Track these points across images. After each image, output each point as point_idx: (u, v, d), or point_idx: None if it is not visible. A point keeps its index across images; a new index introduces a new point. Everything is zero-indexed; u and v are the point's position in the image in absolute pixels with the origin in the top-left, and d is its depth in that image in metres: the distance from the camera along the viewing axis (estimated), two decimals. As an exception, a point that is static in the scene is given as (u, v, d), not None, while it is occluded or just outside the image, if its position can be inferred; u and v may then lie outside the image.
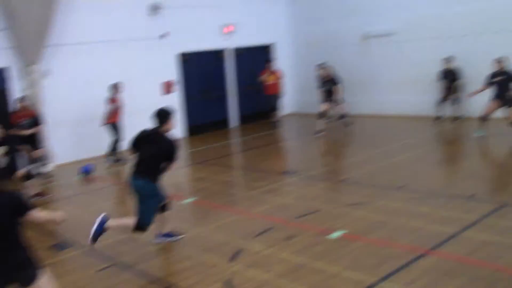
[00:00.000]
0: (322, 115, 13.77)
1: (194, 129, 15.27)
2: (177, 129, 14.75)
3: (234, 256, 6.13)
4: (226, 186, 9.71)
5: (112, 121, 11.96)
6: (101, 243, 6.39)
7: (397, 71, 15.06)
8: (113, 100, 11.94)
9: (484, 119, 11.47)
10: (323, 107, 13.87)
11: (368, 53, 15.69)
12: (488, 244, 5.92)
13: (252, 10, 16.38)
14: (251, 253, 6.22)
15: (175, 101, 14.68)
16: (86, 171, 10.97)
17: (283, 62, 17.24)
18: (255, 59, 16.39)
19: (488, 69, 11.69)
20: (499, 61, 11.21)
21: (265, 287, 5.35)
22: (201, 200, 8.74)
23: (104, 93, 12.00)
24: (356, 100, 15.11)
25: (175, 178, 10.17)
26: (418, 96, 14.65)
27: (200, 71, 15.51)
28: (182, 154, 12.95)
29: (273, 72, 15.56)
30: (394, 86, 15.18)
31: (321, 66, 14.42)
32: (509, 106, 11.09)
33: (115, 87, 11.99)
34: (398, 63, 15.00)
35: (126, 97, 12.39)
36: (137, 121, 13.52)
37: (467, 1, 13.37)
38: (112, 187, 10.43)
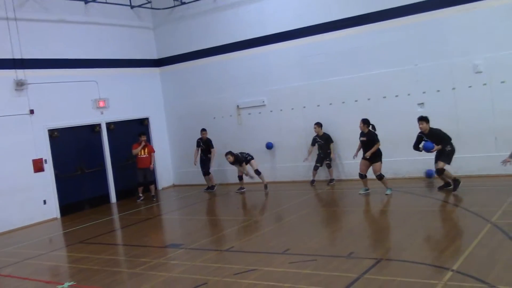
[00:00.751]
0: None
1: (70, 207, 14.53)
2: (51, 209, 14.00)
3: None
4: (108, 265, 9.23)
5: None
6: None
7: (272, 138, 15.71)
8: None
9: (362, 176, 12.25)
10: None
11: (244, 123, 16.26)
12: (370, 299, 6.19)
13: (126, 85, 16.41)
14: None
15: (48, 179, 13.99)
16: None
17: (159, 135, 17.32)
18: (131, 132, 16.21)
19: (351, 133, 12.85)
20: (363, 123, 12.14)
21: None
22: (80, 283, 8.21)
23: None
24: (235, 168, 15.36)
25: (50, 261, 9.54)
26: (294, 162, 15.34)
27: (75, 147, 15.01)
28: (56, 236, 12.23)
29: (146, 146, 15.44)
30: (272, 153, 15.77)
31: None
32: (374, 162, 11.98)
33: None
34: (273, 132, 15.70)
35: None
36: (9, 200, 12.77)
37: (326, 75, 14.52)
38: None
